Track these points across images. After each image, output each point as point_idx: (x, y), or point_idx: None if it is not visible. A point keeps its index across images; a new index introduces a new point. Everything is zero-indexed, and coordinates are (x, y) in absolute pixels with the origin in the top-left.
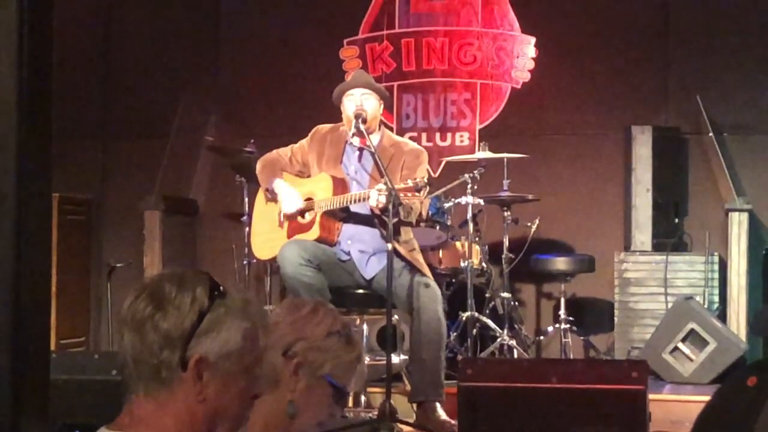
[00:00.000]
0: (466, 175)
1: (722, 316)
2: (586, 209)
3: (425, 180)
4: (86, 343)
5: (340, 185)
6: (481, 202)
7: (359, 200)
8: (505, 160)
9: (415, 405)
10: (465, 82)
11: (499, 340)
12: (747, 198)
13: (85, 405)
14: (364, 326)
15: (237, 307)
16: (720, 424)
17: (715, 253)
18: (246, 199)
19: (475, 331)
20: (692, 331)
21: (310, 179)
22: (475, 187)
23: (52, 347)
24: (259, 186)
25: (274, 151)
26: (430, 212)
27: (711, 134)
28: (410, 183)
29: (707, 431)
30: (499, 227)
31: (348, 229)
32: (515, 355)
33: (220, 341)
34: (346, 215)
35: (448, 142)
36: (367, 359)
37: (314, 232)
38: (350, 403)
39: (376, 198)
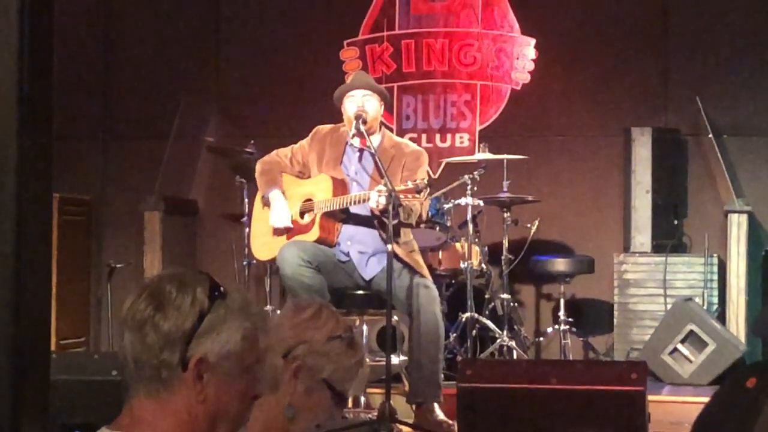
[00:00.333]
0: (466, 177)
1: (721, 317)
2: (586, 210)
3: (425, 182)
4: (86, 343)
5: (340, 186)
6: (481, 203)
7: (359, 201)
8: (505, 161)
9: (413, 406)
10: (465, 83)
11: (498, 341)
12: (746, 199)
13: (85, 405)
14: (364, 327)
15: (237, 307)
16: (719, 425)
17: (715, 255)
18: (246, 200)
19: (474, 332)
20: (691, 332)
21: (310, 180)
22: (475, 188)
23: (52, 347)
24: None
25: (274, 152)
26: (429, 213)
27: (710, 136)
28: (410, 185)
29: None
30: (498, 228)
31: (348, 230)
32: (515, 356)
33: (220, 342)
34: (345, 216)
35: (447, 144)
36: (366, 360)
37: (314, 233)
38: (350, 404)
39: (376, 199)
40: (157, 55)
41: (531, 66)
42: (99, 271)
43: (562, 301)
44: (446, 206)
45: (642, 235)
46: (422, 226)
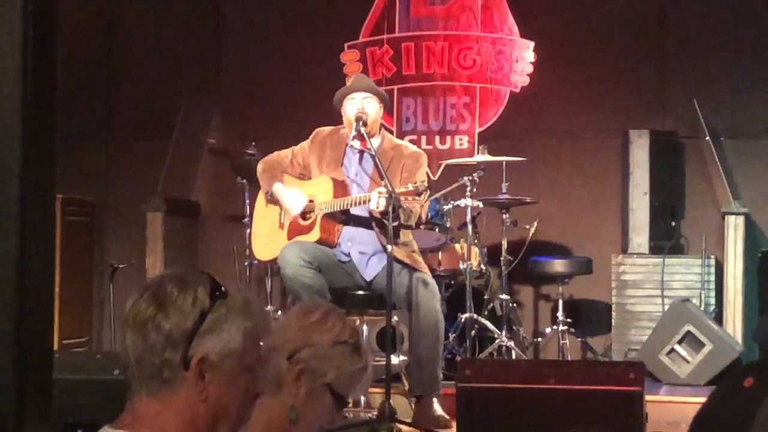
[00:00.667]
0: (465, 178)
1: (718, 318)
2: (584, 212)
3: (425, 184)
4: (89, 342)
5: (341, 187)
6: (480, 204)
7: (360, 203)
8: (504, 163)
9: (412, 400)
10: (464, 85)
11: (497, 341)
12: (743, 201)
13: (87, 404)
14: (364, 327)
15: (238, 306)
16: (716, 425)
17: (712, 256)
18: (247, 201)
19: (473, 332)
20: (689, 333)
21: (311, 181)
22: (474, 189)
23: (55, 347)
24: (260, 187)
25: (275, 153)
26: (429, 215)
27: (708, 138)
28: (411, 187)
29: None
30: (497, 229)
31: (348, 231)
32: (513, 356)
33: (221, 341)
34: (346, 217)
35: (447, 146)
36: (370, 366)
37: (315, 234)
38: (350, 404)
39: (377, 201)
40: (160, 58)
41: (530, 69)
42: (102, 271)
43: (560, 302)
44: (446, 207)
45: (640, 237)
46: (422, 227)
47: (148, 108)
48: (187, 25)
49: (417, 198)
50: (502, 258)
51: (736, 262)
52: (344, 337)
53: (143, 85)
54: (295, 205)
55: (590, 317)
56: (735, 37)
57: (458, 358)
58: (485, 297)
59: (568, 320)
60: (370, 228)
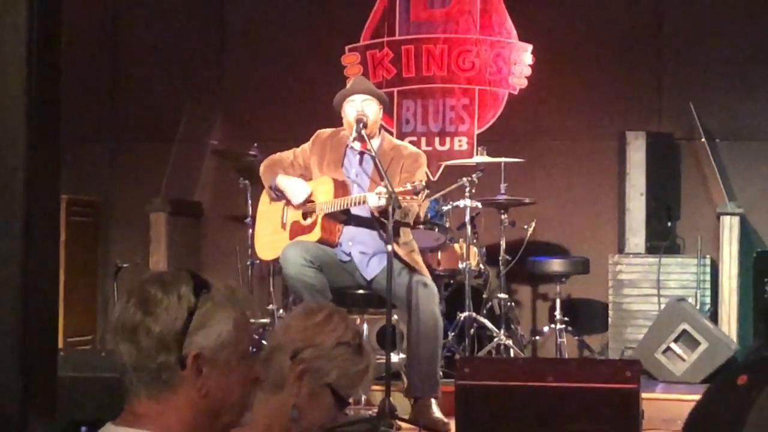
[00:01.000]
0: (465, 179)
1: (713, 317)
2: (582, 213)
3: (423, 183)
4: (93, 341)
5: (341, 188)
6: (479, 205)
7: (359, 203)
8: (503, 164)
9: (411, 401)
10: (463, 88)
11: (496, 339)
12: (738, 202)
13: (91, 401)
14: (365, 326)
15: (223, 297)
16: (711, 422)
17: (707, 256)
18: (249, 202)
19: (472, 330)
20: (684, 331)
21: (312, 182)
22: (473, 190)
23: (60, 345)
24: (262, 188)
25: (277, 154)
26: (429, 215)
27: (703, 140)
28: (409, 186)
29: (698, 429)
30: (496, 230)
31: (349, 231)
32: (512, 355)
33: (213, 334)
34: (347, 217)
35: (446, 147)
36: (372, 367)
37: (316, 234)
38: (351, 403)
39: (376, 200)
40: (163, 61)
41: (528, 71)
42: (106, 271)
43: (558, 301)
44: (445, 208)
45: (636, 237)
46: (421, 227)
47: (151, 109)
48: (191, 27)
49: (415, 197)
50: (500, 258)
51: (731, 262)
52: (347, 338)
53: (147, 87)
54: (299, 192)
55: (587, 316)
56: (730, 40)
57: (457, 357)
58: (484, 296)
59: (566, 319)
60: (371, 228)
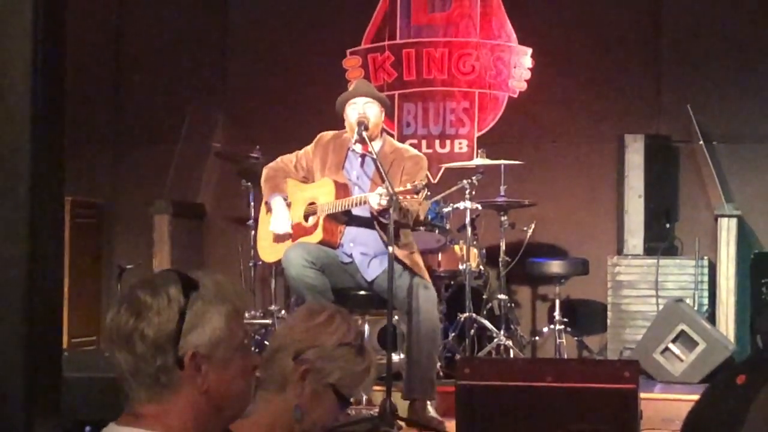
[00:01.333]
0: (465, 181)
1: (711, 317)
2: (581, 214)
3: (423, 183)
4: (97, 342)
5: (343, 189)
6: (479, 207)
7: (360, 203)
8: (502, 166)
9: (407, 402)
10: (464, 91)
11: (496, 340)
12: (735, 204)
13: (95, 401)
14: (366, 326)
15: (212, 294)
16: (709, 421)
17: (705, 257)
18: (252, 204)
19: (472, 331)
20: (682, 332)
21: (314, 184)
22: (473, 192)
23: (64, 346)
24: None
25: (279, 159)
26: (429, 217)
27: (701, 142)
28: (409, 186)
29: (697, 429)
30: (496, 231)
31: (350, 232)
32: (511, 355)
33: (207, 332)
34: (348, 219)
35: (447, 149)
36: (373, 367)
37: (317, 235)
38: (353, 402)
39: (377, 201)
40: (166, 64)
41: (527, 75)
42: (109, 272)
43: (557, 302)
44: (445, 210)
45: (635, 238)
46: (422, 228)
47: (155, 112)
48: (194, 31)
49: (415, 196)
50: (500, 259)
51: (728, 263)
52: (349, 339)
53: (150, 90)
54: (279, 226)
55: (586, 317)
56: (728, 44)
57: (458, 357)
58: (484, 297)
59: (565, 320)
60: (372, 229)
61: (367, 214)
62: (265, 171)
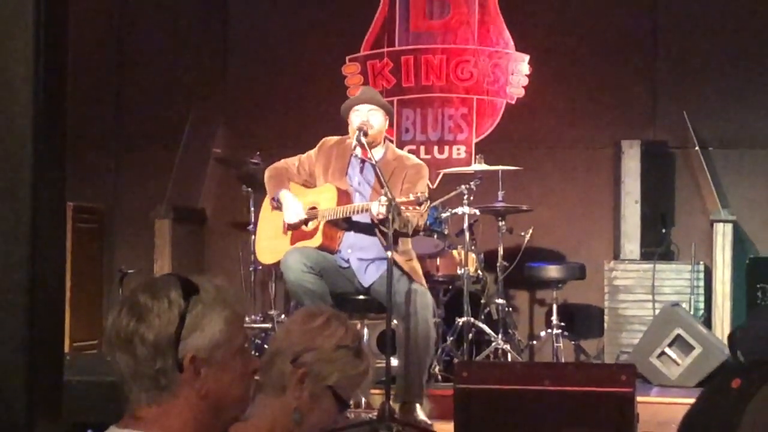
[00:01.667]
0: (463, 187)
1: (707, 322)
2: (578, 219)
3: (426, 195)
4: (98, 346)
5: (344, 196)
6: (477, 212)
7: (361, 211)
8: (500, 172)
9: (397, 404)
10: (462, 97)
11: (493, 344)
12: (731, 209)
13: (97, 405)
14: (365, 331)
15: (212, 297)
16: (705, 425)
17: (701, 262)
18: (252, 209)
19: (470, 335)
20: (678, 336)
21: (315, 189)
22: (471, 197)
23: (66, 349)
24: (264, 196)
25: (282, 161)
26: (428, 222)
27: (697, 148)
28: (412, 197)
29: None
30: (494, 236)
31: (349, 238)
32: (509, 359)
33: (207, 335)
34: (347, 225)
35: (445, 155)
36: (371, 369)
37: (317, 240)
38: (351, 405)
39: (378, 209)
40: (168, 70)
41: (525, 81)
42: (111, 277)
43: (554, 306)
44: (444, 215)
45: (631, 243)
46: (421, 234)
47: (156, 118)
48: (195, 36)
49: (417, 208)
50: (498, 264)
51: (724, 268)
52: (346, 342)
53: (152, 96)
54: (294, 215)
55: (583, 321)
56: (724, 50)
57: (456, 361)
58: (482, 301)
59: (562, 324)
60: (371, 235)
61: (367, 220)
62: (268, 170)
